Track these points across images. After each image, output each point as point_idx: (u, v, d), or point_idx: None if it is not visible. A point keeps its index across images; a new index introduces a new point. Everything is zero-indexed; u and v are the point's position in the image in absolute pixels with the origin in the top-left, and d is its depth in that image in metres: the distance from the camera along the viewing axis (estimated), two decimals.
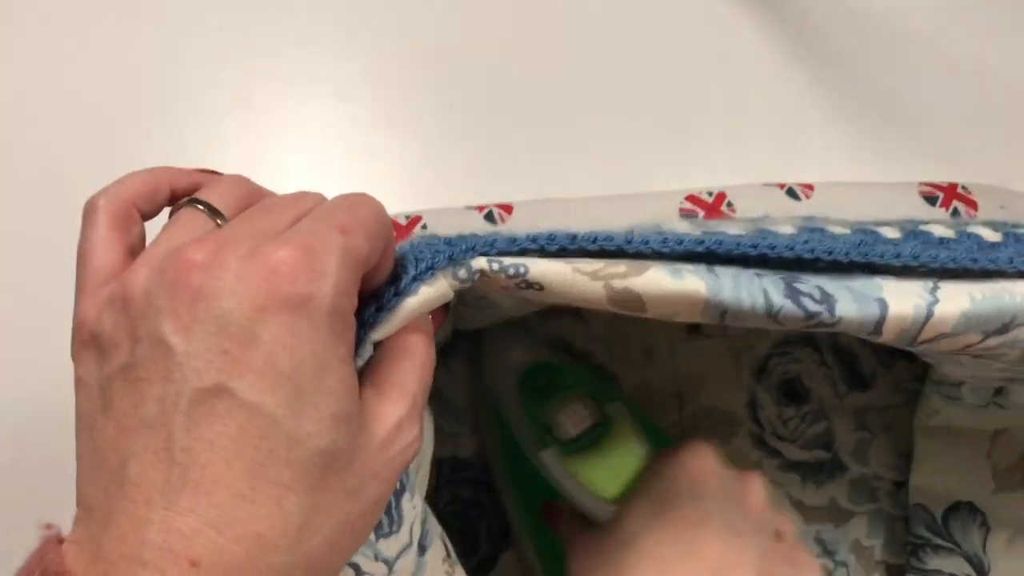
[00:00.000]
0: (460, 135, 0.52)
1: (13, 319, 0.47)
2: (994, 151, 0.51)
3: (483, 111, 0.52)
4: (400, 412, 0.23)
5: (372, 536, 0.27)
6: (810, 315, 0.25)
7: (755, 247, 0.26)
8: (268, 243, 0.21)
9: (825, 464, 0.46)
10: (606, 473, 0.39)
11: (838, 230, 0.27)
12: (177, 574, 0.19)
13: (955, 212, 0.39)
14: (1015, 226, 0.29)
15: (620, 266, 0.26)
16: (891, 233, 0.27)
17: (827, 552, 0.46)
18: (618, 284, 0.26)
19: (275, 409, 0.20)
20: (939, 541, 0.42)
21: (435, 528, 0.33)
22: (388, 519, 0.28)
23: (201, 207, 0.23)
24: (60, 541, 0.20)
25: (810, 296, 0.25)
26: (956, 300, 0.25)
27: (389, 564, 0.28)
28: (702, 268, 0.26)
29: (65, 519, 0.21)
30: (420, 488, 0.31)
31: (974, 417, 0.39)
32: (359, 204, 0.24)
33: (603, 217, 0.40)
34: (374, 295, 0.24)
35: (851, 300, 0.25)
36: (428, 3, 0.54)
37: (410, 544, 0.29)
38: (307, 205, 0.24)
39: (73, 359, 0.22)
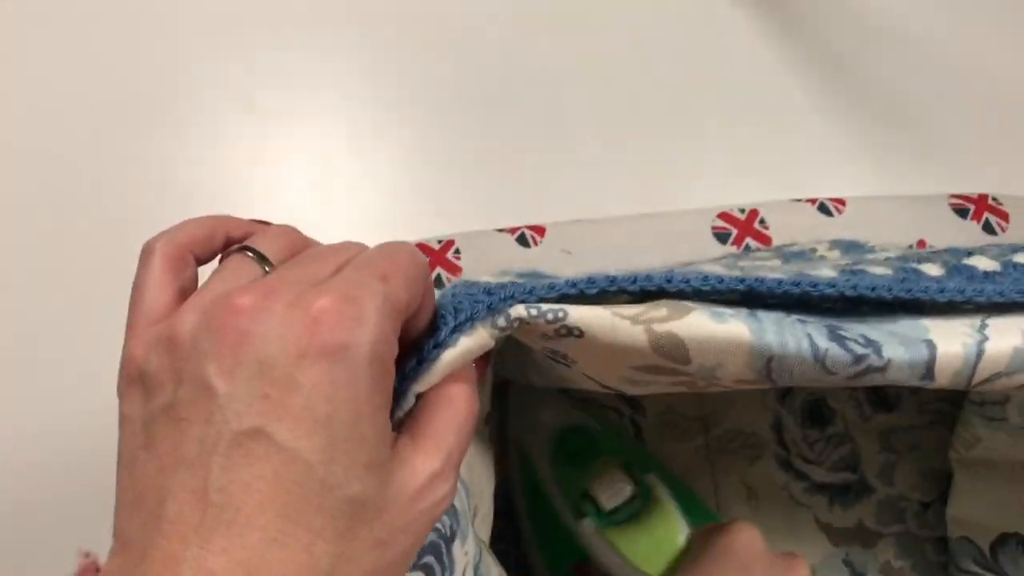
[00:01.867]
0: (462, 136, 0.51)
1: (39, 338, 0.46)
2: (1022, 160, 0.51)
3: (486, 111, 0.52)
4: (434, 466, 0.23)
5: None
6: (858, 358, 0.24)
7: (797, 285, 0.26)
8: (311, 291, 0.21)
9: (852, 486, 0.46)
10: (647, 548, 0.38)
11: (879, 270, 0.27)
12: None
13: (987, 224, 0.38)
14: None
15: (661, 309, 0.26)
16: (934, 271, 0.26)
17: (856, 574, 0.45)
18: (660, 328, 0.25)
19: (310, 455, 0.20)
20: (989, 575, 0.41)
21: (492, 571, 0.32)
22: (440, 566, 0.27)
23: (251, 254, 0.24)
24: (96, 570, 0.21)
25: (855, 341, 0.25)
26: (1007, 336, 0.24)
27: None
28: (743, 312, 0.26)
29: (101, 547, 0.21)
30: (479, 530, 0.31)
31: (1017, 444, 0.39)
32: (398, 251, 0.24)
33: (636, 233, 0.40)
34: (415, 346, 0.24)
35: (897, 343, 0.25)
36: (431, 4, 0.54)
37: None
38: (350, 254, 0.24)
39: (119, 395, 0.23)
